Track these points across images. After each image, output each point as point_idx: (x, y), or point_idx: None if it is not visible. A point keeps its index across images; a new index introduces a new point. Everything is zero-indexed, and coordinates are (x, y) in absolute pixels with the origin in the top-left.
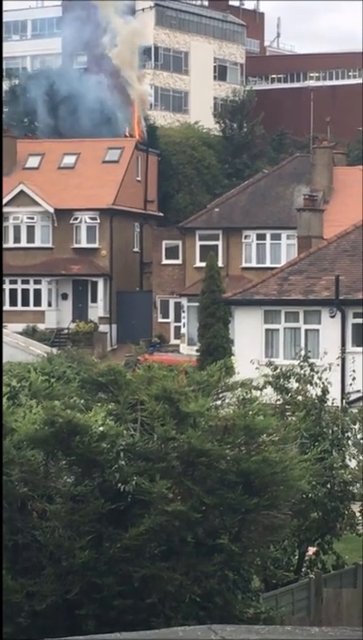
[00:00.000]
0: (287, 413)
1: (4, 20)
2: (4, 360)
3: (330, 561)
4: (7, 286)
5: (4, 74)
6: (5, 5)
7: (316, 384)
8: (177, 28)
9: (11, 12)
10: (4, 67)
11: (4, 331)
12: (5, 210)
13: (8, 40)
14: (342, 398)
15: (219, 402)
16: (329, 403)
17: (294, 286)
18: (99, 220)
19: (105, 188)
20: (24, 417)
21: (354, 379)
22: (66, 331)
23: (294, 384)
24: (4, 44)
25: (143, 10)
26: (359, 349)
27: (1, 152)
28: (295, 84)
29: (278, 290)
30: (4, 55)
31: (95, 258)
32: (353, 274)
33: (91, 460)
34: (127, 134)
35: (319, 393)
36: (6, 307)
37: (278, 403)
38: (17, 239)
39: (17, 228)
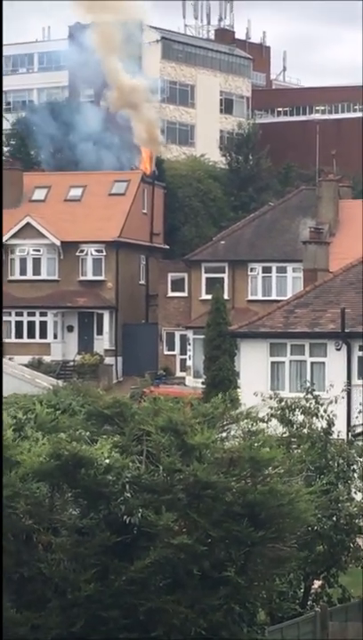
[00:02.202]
0: (293, 446)
1: (12, 53)
2: (10, 392)
3: (336, 594)
4: (13, 318)
5: (4, 97)
6: (13, 39)
7: (321, 417)
8: (183, 61)
9: (17, 46)
10: (11, 100)
11: (10, 363)
12: (11, 242)
13: (16, 73)
14: (348, 431)
15: (224, 434)
16: (335, 435)
17: (299, 319)
18: (105, 253)
19: (111, 220)
20: (30, 449)
21: (360, 411)
22: (72, 363)
23: (299, 417)
24: (12, 77)
25: (149, 43)
26: None
27: (1, 183)
28: (301, 117)
29: (283, 322)
30: (11, 88)
31: (101, 290)
32: (359, 307)
33: (96, 493)
34: (136, 167)
35: (325, 425)
36: (12, 339)
37: (283, 435)
38: (23, 271)
39: (23, 261)
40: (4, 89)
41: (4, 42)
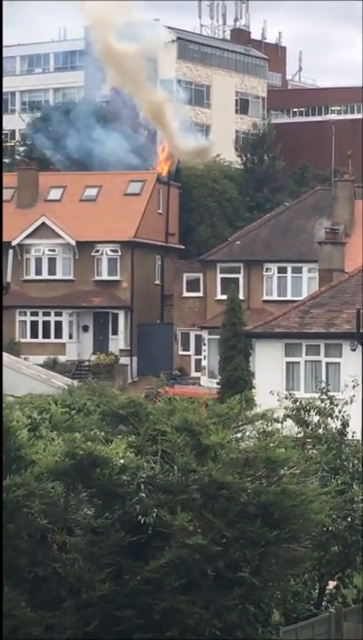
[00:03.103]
0: (308, 446)
1: (28, 53)
2: (25, 392)
3: (351, 595)
4: (28, 318)
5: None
6: (29, 39)
7: (336, 417)
8: (199, 61)
9: (33, 46)
10: (27, 100)
11: (25, 362)
12: (27, 242)
13: (32, 73)
14: None
15: (239, 434)
16: (349, 436)
17: (315, 319)
18: (120, 253)
19: (126, 220)
20: (45, 449)
21: None
22: (87, 363)
23: (314, 417)
24: (27, 77)
25: (165, 44)
26: None
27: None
28: (317, 118)
29: (299, 323)
30: (26, 88)
31: (116, 290)
32: None
33: (111, 493)
34: (153, 168)
35: (340, 426)
36: (27, 338)
37: (298, 435)
38: (38, 271)
39: (38, 261)
40: (21, 89)
41: (18, 42)
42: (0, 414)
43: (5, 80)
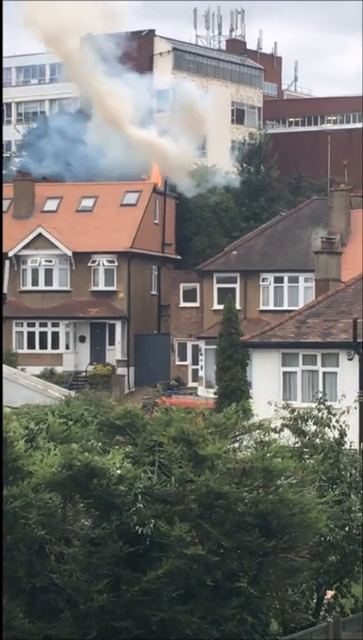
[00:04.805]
0: (305, 456)
1: (24, 64)
2: (22, 403)
3: (349, 604)
4: (25, 329)
5: (16, 108)
6: (25, 50)
7: (333, 427)
8: (195, 71)
9: (29, 57)
10: (23, 111)
11: (22, 373)
12: (23, 253)
13: (28, 84)
14: (361, 441)
15: (236, 444)
16: (347, 446)
17: (311, 329)
18: (117, 263)
19: (123, 231)
20: (42, 460)
21: None
22: (84, 373)
23: (311, 427)
24: (24, 88)
25: (161, 54)
26: None
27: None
28: (312, 128)
29: (295, 332)
30: (23, 99)
31: (113, 301)
32: None
33: (108, 503)
34: (145, 178)
35: (337, 436)
36: (24, 349)
37: (295, 445)
38: (35, 282)
39: (35, 271)
40: (17, 100)
41: (14, 53)
42: (0, 428)
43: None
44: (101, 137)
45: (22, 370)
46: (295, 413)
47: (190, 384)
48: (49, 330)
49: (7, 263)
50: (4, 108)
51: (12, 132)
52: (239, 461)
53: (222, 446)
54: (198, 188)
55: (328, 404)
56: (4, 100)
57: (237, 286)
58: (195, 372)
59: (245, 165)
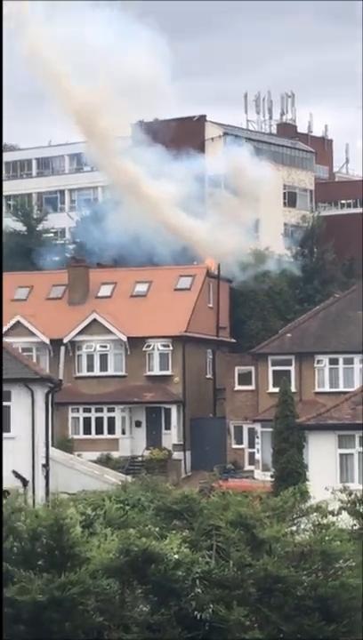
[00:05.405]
0: None
1: (78, 151)
2: (79, 489)
3: None
4: (81, 414)
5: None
6: (77, 138)
7: None
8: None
9: (81, 145)
10: (76, 198)
11: (79, 459)
12: (78, 339)
13: (81, 171)
14: None
15: (294, 527)
16: None
17: None
18: (171, 348)
19: (177, 315)
20: (99, 546)
21: None
22: (140, 458)
23: None
24: (77, 175)
25: (212, 139)
26: None
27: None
28: None
29: (351, 414)
30: (76, 187)
31: (168, 385)
32: None
33: (167, 589)
34: (201, 262)
35: None
36: (80, 435)
37: (354, 528)
38: (90, 367)
39: (90, 357)
40: (70, 187)
41: (66, 141)
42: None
43: (55, 179)
44: (153, 222)
45: (78, 455)
46: (353, 496)
47: (247, 467)
48: (105, 415)
49: (62, 349)
50: (58, 194)
51: (66, 219)
52: (297, 545)
53: (280, 529)
54: (252, 271)
55: None
56: (57, 188)
57: (292, 368)
58: (251, 454)
59: (299, 248)
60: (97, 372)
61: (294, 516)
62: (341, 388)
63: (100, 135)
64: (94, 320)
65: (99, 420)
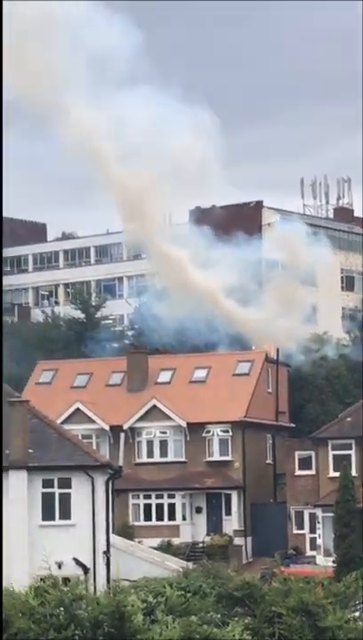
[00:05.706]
0: None
1: None
2: (140, 575)
3: None
4: (141, 501)
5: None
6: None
7: None
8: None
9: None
10: (134, 285)
11: (139, 546)
12: (138, 425)
13: (138, 259)
14: None
15: (357, 613)
16: None
17: None
18: (231, 433)
19: (236, 400)
20: (161, 633)
21: None
22: (201, 544)
23: None
24: (135, 263)
25: (269, 224)
26: None
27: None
28: None
29: None
30: (133, 274)
31: (228, 470)
32: None
33: None
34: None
35: None
36: (141, 521)
37: None
38: (150, 454)
39: (150, 443)
40: (128, 274)
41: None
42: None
43: (112, 266)
44: (204, 311)
45: (139, 542)
46: None
47: (309, 552)
48: (165, 501)
49: (122, 436)
50: (116, 282)
51: (125, 306)
52: (361, 631)
53: (343, 616)
54: (311, 355)
55: None
56: (116, 275)
57: (352, 453)
58: (312, 540)
59: (358, 333)
60: (157, 458)
61: (357, 601)
62: None
63: (145, 221)
64: (154, 406)
65: (159, 507)
